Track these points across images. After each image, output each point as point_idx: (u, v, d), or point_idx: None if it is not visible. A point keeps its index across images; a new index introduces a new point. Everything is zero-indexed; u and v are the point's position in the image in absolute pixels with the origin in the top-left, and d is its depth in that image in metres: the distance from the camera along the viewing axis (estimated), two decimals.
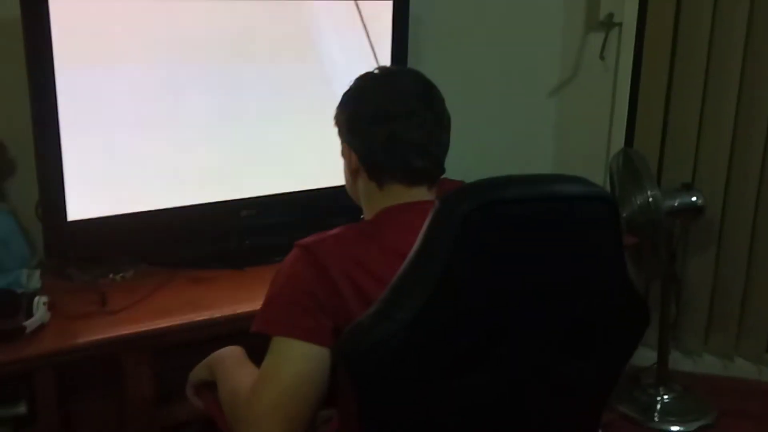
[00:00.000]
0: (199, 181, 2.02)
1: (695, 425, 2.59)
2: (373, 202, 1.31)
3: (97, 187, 1.89)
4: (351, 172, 1.34)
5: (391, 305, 0.99)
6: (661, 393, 2.69)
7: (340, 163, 1.38)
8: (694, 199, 2.55)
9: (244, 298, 1.86)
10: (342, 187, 1.41)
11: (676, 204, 2.53)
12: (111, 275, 1.95)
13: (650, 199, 2.42)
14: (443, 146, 1.32)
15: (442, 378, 1.01)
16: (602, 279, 1.09)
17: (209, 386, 1.39)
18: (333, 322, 1.14)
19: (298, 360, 1.14)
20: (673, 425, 2.59)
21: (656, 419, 2.61)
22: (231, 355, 1.37)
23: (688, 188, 2.59)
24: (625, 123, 2.78)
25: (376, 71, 1.35)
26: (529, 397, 1.10)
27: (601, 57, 2.72)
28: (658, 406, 2.65)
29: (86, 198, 1.87)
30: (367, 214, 1.33)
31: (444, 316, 0.98)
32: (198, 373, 1.43)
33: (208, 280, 1.96)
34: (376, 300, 1.07)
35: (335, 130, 1.37)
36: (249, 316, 1.71)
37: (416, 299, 0.97)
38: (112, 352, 1.66)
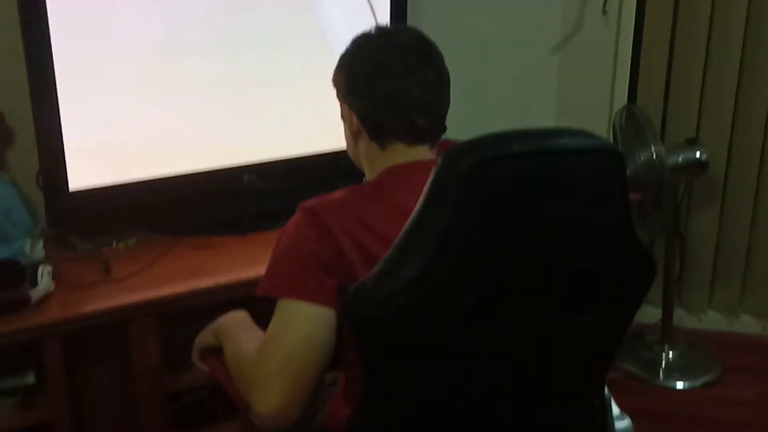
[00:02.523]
0: (200, 147, 2.01)
1: (700, 381, 2.60)
2: (375, 163, 1.30)
3: (98, 155, 1.88)
4: (352, 133, 1.32)
5: (396, 263, 0.98)
6: (666, 350, 2.70)
7: (341, 126, 1.36)
8: (698, 154, 2.53)
9: (248, 263, 1.86)
10: (344, 151, 1.40)
11: (680, 160, 2.51)
12: (114, 243, 1.94)
13: (654, 156, 2.40)
14: (444, 103, 1.30)
15: (447, 334, 1.01)
16: (608, 231, 1.08)
17: (215, 351, 1.39)
18: (338, 283, 1.14)
19: (303, 321, 1.13)
20: (677, 381, 2.60)
21: (661, 376, 2.62)
22: (236, 319, 1.37)
23: (692, 144, 2.57)
24: (628, 79, 2.76)
25: (374, 30, 1.33)
26: (535, 351, 1.10)
27: (604, 12, 2.68)
28: (663, 363, 2.66)
29: (87, 167, 1.86)
30: (369, 176, 1.32)
31: (448, 272, 0.98)
32: (203, 338, 1.44)
33: (211, 247, 1.96)
34: (380, 259, 1.07)
35: (335, 92, 1.35)
36: (254, 282, 1.71)
37: (420, 256, 0.96)
38: (118, 320, 1.66)
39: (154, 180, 1.96)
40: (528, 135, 1.02)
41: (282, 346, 1.13)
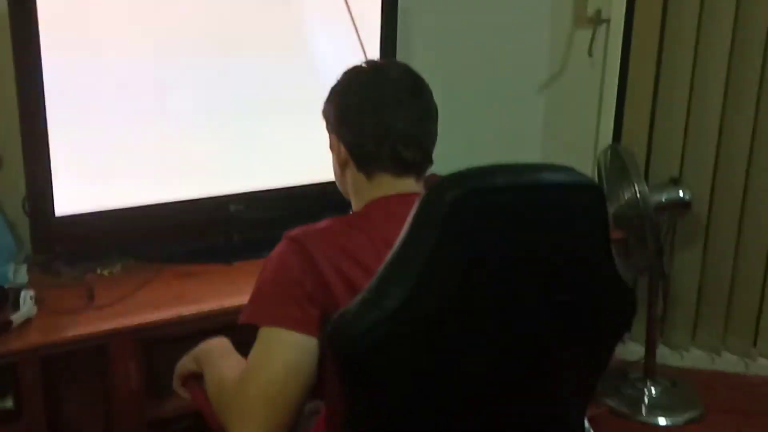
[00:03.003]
0: (187, 175, 2.02)
1: (683, 419, 2.60)
2: (361, 194, 1.31)
3: (85, 181, 1.89)
4: (339, 164, 1.34)
5: (378, 293, 0.99)
6: (649, 387, 2.70)
7: (329, 157, 1.38)
8: (681, 193, 2.57)
9: (232, 292, 1.86)
10: (331, 182, 1.42)
11: (663, 199, 2.54)
12: (98, 270, 1.94)
13: (638, 194, 2.43)
14: (431, 137, 1.32)
15: (429, 366, 1.01)
16: (589, 266, 1.09)
17: (196, 378, 1.39)
18: (321, 312, 1.15)
19: (285, 349, 1.14)
20: (660, 419, 2.60)
21: (644, 413, 2.62)
22: (218, 346, 1.37)
23: (675, 183, 2.60)
24: (612, 118, 2.79)
25: (364, 64, 1.35)
26: (517, 385, 1.10)
27: (590, 53, 2.73)
28: (646, 400, 2.66)
29: (74, 193, 1.87)
30: (355, 206, 1.33)
31: (430, 305, 0.98)
32: (185, 364, 1.43)
33: (196, 275, 1.96)
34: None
35: (324, 123, 1.37)
36: (237, 310, 1.70)
37: (402, 287, 0.97)
38: (99, 346, 1.65)
39: (141, 207, 1.96)
40: (511, 169, 1.04)
41: (263, 374, 1.13)
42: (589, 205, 1.06)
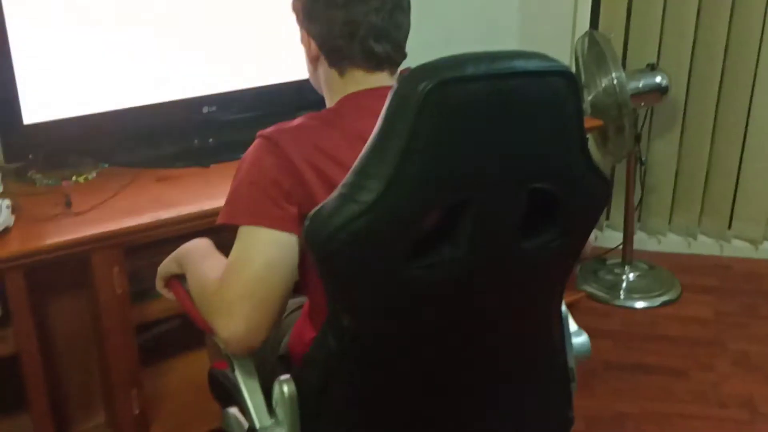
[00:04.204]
0: (158, 79, 1.98)
1: (659, 300, 2.68)
2: (334, 90, 1.29)
3: (53, 88, 1.84)
4: (311, 59, 1.31)
5: (354, 187, 0.99)
6: (627, 272, 2.77)
7: (302, 55, 1.35)
8: (658, 79, 2.55)
9: (211, 194, 1.85)
10: (305, 80, 1.39)
11: (640, 85, 2.53)
12: (74, 177, 1.92)
13: (615, 81, 2.41)
14: (403, 30, 1.29)
15: (406, 257, 1.02)
16: (563, 152, 1.09)
17: (179, 278, 1.40)
18: (299, 209, 1.15)
19: (266, 247, 1.14)
20: (638, 301, 2.67)
21: (622, 297, 2.69)
22: (199, 246, 1.38)
23: (653, 69, 2.58)
24: (590, 5, 2.74)
25: None
26: (492, 274, 1.11)
27: None
28: (624, 284, 2.73)
29: (43, 100, 1.83)
30: (329, 102, 1.31)
31: (405, 196, 0.98)
32: (166, 266, 1.44)
33: (173, 179, 1.95)
34: None
35: (294, 18, 1.33)
36: (216, 212, 1.69)
37: (378, 180, 0.97)
38: (81, 253, 1.66)
39: (112, 112, 1.93)
40: (483, 57, 1.02)
41: (245, 272, 1.14)
42: (563, 91, 1.05)
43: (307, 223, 1.03)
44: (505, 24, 2.77)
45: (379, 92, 1.21)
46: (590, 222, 1.21)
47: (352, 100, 1.25)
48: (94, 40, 1.87)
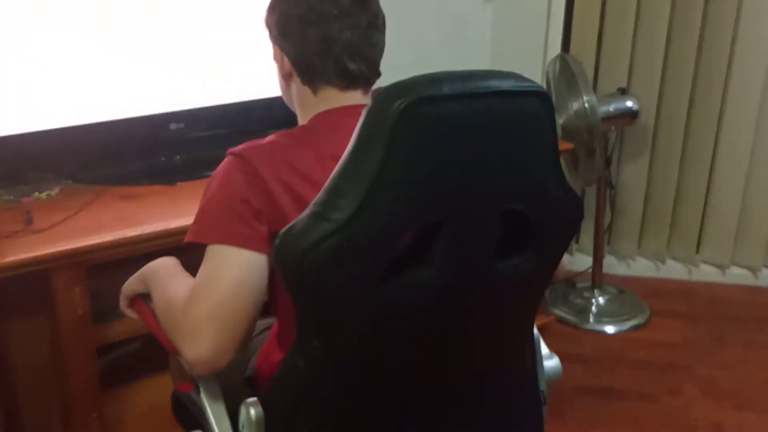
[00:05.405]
0: (125, 93, 1.94)
1: (628, 324, 2.68)
2: (307, 107, 1.27)
3: (14, 102, 1.79)
4: (284, 76, 1.29)
5: (326, 206, 0.96)
6: (596, 296, 2.76)
7: (274, 71, 1.33)
8: (629, 104, 2.57)
9: (177, 213, 1.81)
10: (277, 97, 1.36)
11: (611, 109, 2.54)
12: (36, 194, 1.87)
13: (586, 105, 2.42)
14: (378, 48, 1.27)
15: (379, 278, 0.99)
16: (537, 174, 1.08)
17: (144, 298, 1.36)
18: (269, 229, 1.12)
19: (234, 266, 1.11)
20: (607, 326, 2.67)
21: (591, 320, 2.69)
22: (165, 265, 1.34)
23: (623, 93, 2.60)
24: (561, 28, 2.76)
25: None
26: (466, 296, 1.09)
27: None
28: (594, 308, 2.73)
29: (3, 114, 1.78)
30: (301, 120, 1.29)
31: (379, 215, 0.96)
32: (131, 285, 1.40)
33: (138, 197, 1.90)
34: None
35: (267, 33, 1.31)
36: (182, 231, 1.66)
37: (351, 199, 0.94)
38: (42, 271, 1.60)
39: (76, 128, 1.88)
40: (458, 76, 1.00)
41: (212, 292, 1.11)
42: (537, 111, 1.04)
43: (277, 241, 1.00)
44: (477, 46, 2.77)
45: (353, 110, 1.19)
46: (563, 243, 1.20)
47: (325, 118, 1.23)
48: (57, 53, 1.82)
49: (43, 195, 1.87)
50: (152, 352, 1.62)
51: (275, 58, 1.30)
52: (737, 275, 2.96)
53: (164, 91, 1.99)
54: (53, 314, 1.67)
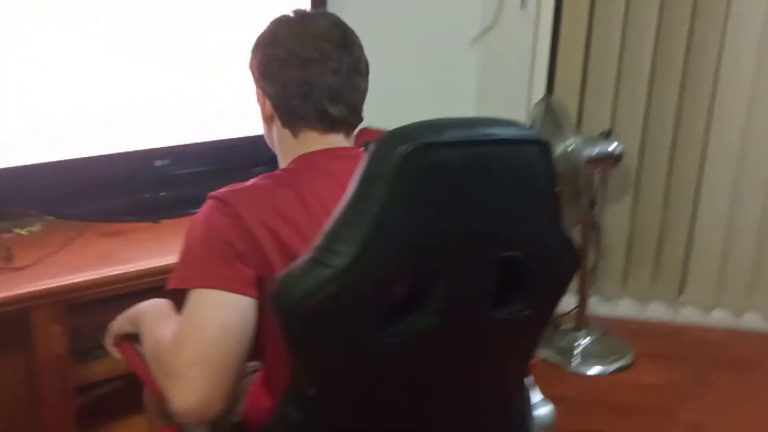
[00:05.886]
0: (109, 129, 1.91)
1: (614, 366, 2.66)
2: (287, 150, 1.27)
3: None
4: (265, 118, 1.29)
5: (325, 251, 0.95)
6: (580, 337, 2.75)
7: (258, 110, 1.32)
8: (613, 147, 2.58)
9: (160, 251, 1.78)
10: (261, 136, 1.36)
11: (595, 152, 2.55)
12: (16, 230, 1.83)
13: (571, 147, 2.43)
14: (360, 93, 1.27)
15: (376, 324, 0.98)
16: (536, 221, 1.08)
17: (131, 339, 1.33)
18: (254, 272, 1.10)
19: (219, 309, 1.09)
20: (592, 367, 2.65)
21: (576, 362, 2.67)
22: (156, 307, 1.31)
23: (607, 136, 2.61)
24: (546, 71, 2.78)
25: (292, 14, 1.28)
26: (465, 341, 1.08)
27: (522, 6, 2.70)
28: (578, 350, 2.71)
29: None
30: (282, 162, 1.29)
31: (379, 261, 0.95)
32: (120, 324, 1.37)
33: (122, 234, 1.87)
34: (295, 250, 1.04)
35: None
36: (165, 270, 1.65)
37: (351, 244, 0.93)
38: (20, 310, 1.56)
39: (58, 163, 1.85)
40: (461, 123, 1.01)
41: (196, 337, 1.08)
42: (538, 160, 1.04)
43: (275, 287, 0.98)
44: (463, 89, 2.78)
45: (335, 153, 1.19)
46: (559, 292, 1.19)
47: (306, 160, 1.22)
48: (40, 85, 1.80)
49: (24, 231, 1.83)
50: (132, 392, 1.58)
51: (258, 100, 1.30)
52: (720, 318, 2.96)
53: (149, 127, 1.97)
54: (31, 353, 1.63)
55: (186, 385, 1.06)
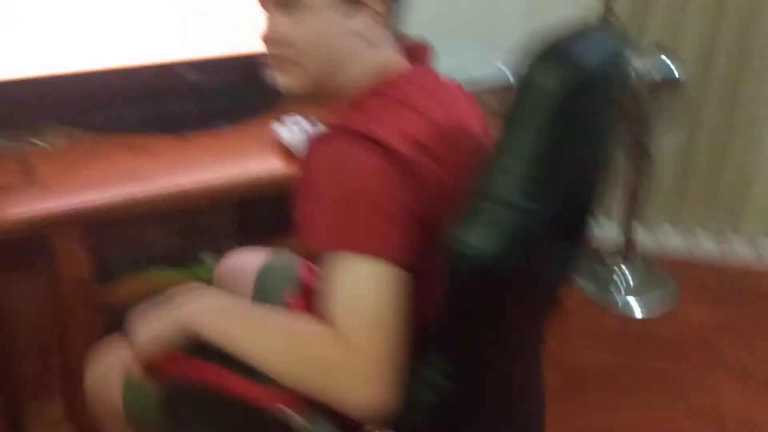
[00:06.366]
0: (136, 38, 1.76)
1: (658, 302, 2.54)
2: (360, 65, 1.03)
3: (13, 43, 1.63)
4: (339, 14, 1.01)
5: (497, 191, 0.86)
6: (625, 270, 2.62)
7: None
8: (674, 69, 2.39)
9: (188, 169, 1.66)
10: None
11: (657, 75, 2.36)
12: (35, 141, 1.71)
13: (635, 70, 2.24)
14: None
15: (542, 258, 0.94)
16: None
17: (191, 354, 1.05)
18: (428, 238, 0.92)
19: (399, 290, 0.89)
20: (635, 302, 2.53)
21: (619, 297, 2.55)
22: (216, 300, 1.04)
23: (667, 56, 2.41)
24: None
25: None
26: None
27: None
28: (621, 284, 2.59)
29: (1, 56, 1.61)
30: (343, 82, 1.03)
31: (547, 193, 0.87)
32: (152, 342, 1.05)
33: (146, 148, 1.73)
34: (450, 189, 0.93)
35: None
36: (194, 192, 1.55)
37: (524, 181, 0.85)
38: (41, 231, 1.45)
39: (78, 74, 1.71)
40: (596, 40, 0.93)
41: (379, 320, 0.88)
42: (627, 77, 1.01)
43: (451, 238, 0.86)
44: (511, 7, 2.58)
45: (432, 77, 1.07)
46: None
47: (416, 84, 1.03)
48: None
49: (44, 143, 1.71)
50: None
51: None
52: None
53: (176, 37, 1.82)
54: (54, 276, 1.53)
55: (372, 381, 0.87)
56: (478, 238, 0.85)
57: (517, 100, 0.84)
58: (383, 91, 1.00)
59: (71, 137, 1.75)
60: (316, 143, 0.98)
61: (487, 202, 0.85)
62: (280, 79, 1.05)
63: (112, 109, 1.84)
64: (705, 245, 2.84)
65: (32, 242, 1.50)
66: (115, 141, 1.74)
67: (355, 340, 0.87)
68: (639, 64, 2.27)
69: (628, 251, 2.64)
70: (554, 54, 0.83)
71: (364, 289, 0.88)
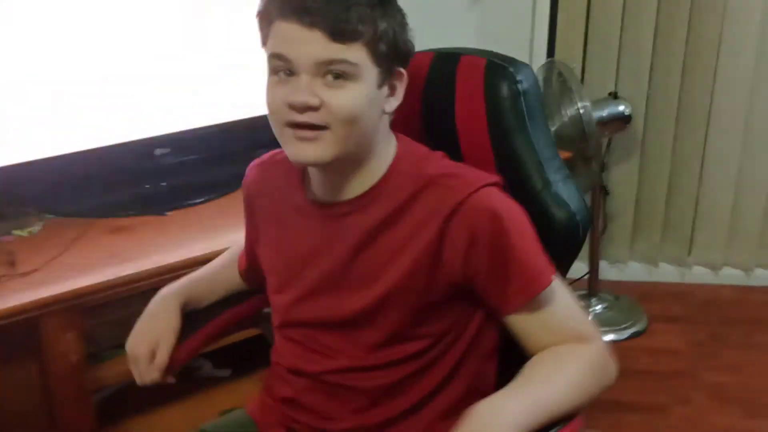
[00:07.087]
0: (105, 119, 1.82)
1: (628, 332, 2.62)
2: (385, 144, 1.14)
3: None
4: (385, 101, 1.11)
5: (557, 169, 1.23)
6: (593, 304, 2.71)
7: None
8: (621, 108, 2.52)
9: (170, 246, 1.71)
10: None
11: (605, 114, 2.49)
12: (16, 231, 1.74)
13: (581, 110, 2.36)
14: None
15: None
16: None
17: None
18: None
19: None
20: (606, 335, 2.61)
21: None
22: (518, 398, 1.02)
23: (615, 97, 2.54)
24: (546, 33, 2.70)
25: None
26: None
27: None
28: (590, 316, 2.67)
29: None
30: (373, 157, 1.11)
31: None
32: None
33: (128, 229, 1.78)
34: None
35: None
36: (178, 267, 1.59)
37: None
38: (30, 320, 1.48)
39: (54, 158, 1.76)
40: None
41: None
42: None
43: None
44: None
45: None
46: None
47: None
48: (32, 79, 1.71)
49: (25, 232, 1.75)
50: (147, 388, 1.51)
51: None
52: (730, 276, 2.93)
53: (146, 116, 1.88)
54: (43, 363, 1.55)
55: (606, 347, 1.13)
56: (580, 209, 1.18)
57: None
58: (427, 155, 1.15)
59: (52, 224, 1.78)
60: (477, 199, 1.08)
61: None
62: (309, 149, 1.03)
63: (89, 193, 1.88)
64: (666, 273, 2.95)
65: (20, 329, 1.53)
66: (96, 225, 1.79)
67: (589, 331, 1.12)
68: (591, 108, 2.38)
69: (595, 285, 2.72)
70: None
71: (569, 298, 1.11)
